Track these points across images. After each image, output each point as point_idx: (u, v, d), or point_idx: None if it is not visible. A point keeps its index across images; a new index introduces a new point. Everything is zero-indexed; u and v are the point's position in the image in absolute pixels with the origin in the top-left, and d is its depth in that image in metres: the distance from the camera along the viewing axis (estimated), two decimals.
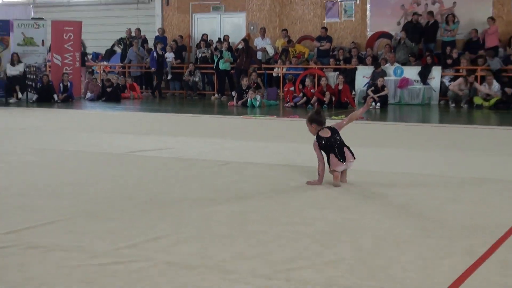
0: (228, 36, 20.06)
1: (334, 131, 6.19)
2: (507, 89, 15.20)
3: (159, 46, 19.54)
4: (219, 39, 20.31)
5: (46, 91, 17.59)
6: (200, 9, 21.53)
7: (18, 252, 4.01)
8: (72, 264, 3.79)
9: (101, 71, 21.19)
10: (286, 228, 4.57)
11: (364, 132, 10.72)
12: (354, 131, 10.91)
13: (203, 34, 20.72)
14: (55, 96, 17.51)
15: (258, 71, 18.45)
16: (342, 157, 6.02)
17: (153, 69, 19.65)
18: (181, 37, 20.97)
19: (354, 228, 4.60)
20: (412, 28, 17.80)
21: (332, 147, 6.07)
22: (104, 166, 7.25)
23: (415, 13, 18.07)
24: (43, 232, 4.46)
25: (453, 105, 15.76)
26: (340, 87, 15.99)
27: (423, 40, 18.05)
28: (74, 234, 4.41)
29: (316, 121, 6.23)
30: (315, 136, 6.17)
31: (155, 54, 19.49)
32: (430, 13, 17.98)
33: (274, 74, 18.60)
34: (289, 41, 19.22)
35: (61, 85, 18.00)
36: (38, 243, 4.17)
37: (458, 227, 4.62)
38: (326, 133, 6.15)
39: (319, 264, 3.81)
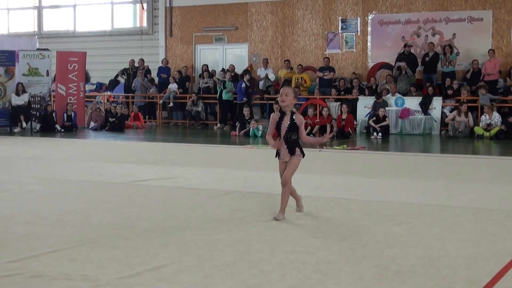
0: (233, 66, 20.22)
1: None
2: (510, 119, 15.29)
3: (246, 77, 18.70)
4: (223, 69, 20.51)
5: (48, 121, 17.71)
6: (203, 40, 21.78)
7: (22, 281, 4.03)
8: None
9: (105, 101, 21.34)
10: (288, 257, 4.59)
11: (366, 162, 10.77)
12: (355, 160, 10.98)
13: (203, 65, 20.94)
14: (57, 126, 17.62)
15: (260, 101, 18.58)
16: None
17: (244, 99, 18.44)
18: (186, 67, 21.20)
19: (357, 257, 4.62)
20: (406, 59, 18.01)
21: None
22: (107, 195, 7.28)
23: (406, 45, 18.30)
24: (47, 260, 4.48)
25: (451, 134, 15.86)
26: (344, 116, 16.12)
27: (424, 71, 18.22)
28: (78, 262, 4.43)
29: (297, 96, 6.00)
30: (290, 110, 5.82)
31: (243, 85, 18.50)
32: (431, 44, 18.21)
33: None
34: (296, 67, 19.46)
35: (65, 115, 18.15)
36: (42, 272, 4.20)
37: (460, 257, 4.63)
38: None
39: None
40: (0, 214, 6.15)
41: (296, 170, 5.91)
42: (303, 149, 5.94)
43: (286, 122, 5.81)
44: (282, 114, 5.85)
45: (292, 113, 5.83)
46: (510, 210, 6.42)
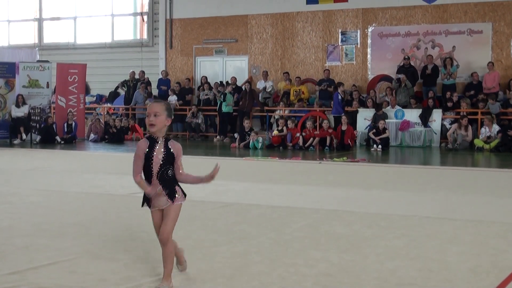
0: (235, 78, 20.26)
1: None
2: (510, 132, 15.32)
3: (341, 89, 17.70)
4: (221, 82, 20.55)
5: (49, 133, 17.73)
6: (203, 52, 21.84)
7: None
8: None
9: (104, 113, 21.36)
10: (288, 270, 4.58)
11: (365, 174, 10.76)
12: (355, 172, 10.98)
13: (202, 77, 21.01)
14: (58, 138, 17.63)
15: (260, 113, 18.57)
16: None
17: (337, 115, 17.50)
18: (188, 79, 21.25)
19: (357, 270, 4.61)
20: (405, 71, 18.06)
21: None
22: (107, 207, 7.27)
23: (405, 58, 18.35)
24: (47, 272, 4.47)
25: (450, 146, 15.88)
26: (344, 127, 16.15)
27: (424, 83, 18.26)
28: (78, 275, 4.42)
29: (172, 115, 4.37)
30: (163, 136, 4.27)
31: (339, 97, 17.53)
32: (430, 56, 18.28)
33: (276, 117, 18.77)
34: (293, 80, 19.54)
35: (66, 124, 18.19)
36: (42, 284, 4.18)
37: (460, 270, 4.62)
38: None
39: None
40: (0, 225, 6.14)
41: (177, 219, 4.32)
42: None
43: (159, 153, 4.19)
44: (153, 141, 4.21)
45: (167, 140, 4.27)
46: (511, 222, 6.41)
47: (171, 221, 4.22)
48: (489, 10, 18.21)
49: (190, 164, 12.44)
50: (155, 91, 21.54)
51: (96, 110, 21.41)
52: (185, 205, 7.51)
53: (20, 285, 4.15)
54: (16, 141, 17.61)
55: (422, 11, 18.92)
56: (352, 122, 17.30)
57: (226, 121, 19.40)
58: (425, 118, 16.86)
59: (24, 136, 17.85)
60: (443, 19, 18.71)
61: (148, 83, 21.40)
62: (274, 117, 18.65)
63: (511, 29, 18.04)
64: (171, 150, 4.21)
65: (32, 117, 18.24)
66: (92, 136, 18.78)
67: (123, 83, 21.57)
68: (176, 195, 4.29)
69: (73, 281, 4.26)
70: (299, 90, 19.30)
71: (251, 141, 16.16)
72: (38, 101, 18.52)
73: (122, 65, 22.35)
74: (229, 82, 20.12)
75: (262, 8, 20.77)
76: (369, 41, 19.54)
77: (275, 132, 16.45)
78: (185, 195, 4.39)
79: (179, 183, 4.35)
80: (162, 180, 4.21)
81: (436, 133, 16.83)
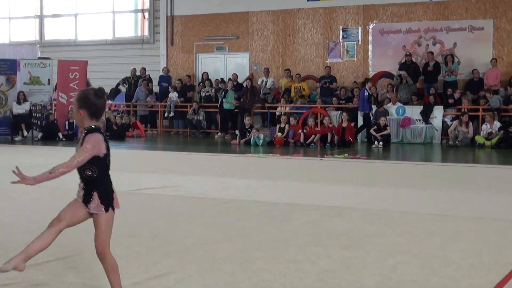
0: (236, 75, 20.24)
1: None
2: (511, 128, 15.31)
3: (368, 85, 17.07)
4: (222, 79, 20.54)
5: (51, 129, 17.75)
6: (204, 49, 21.83)
7: None
8: None
9: (106, 110, 21.37)
10: (289, 266, 4.58)
11: (366, 171, 10.76)
12: (356, 169, 10.97)
13: (203, 73, 21.00)
14: (60, 134, 17.65)
15: (261, 110, 18.54)
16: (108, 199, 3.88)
17: (362, 113, 16.99)
18: (189, 76, 21.22)
19: (358, 266, 4.61)
20: (406, 68, 18.05)
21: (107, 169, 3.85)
22: None
23: (406, 54, 18.32)
24: (48, 269, 4.48)
25: (451, 143, 15.87)
26: (344, 124, 16.14)
27: (425, 80, 18.24)
28: (79, 271, 4.43)
29: (91, 106, 3.64)
30: (84, 127, 3.68)
31: (366, 93, 16.85)
32: (430, 53, 18.25)
33: (278, 113, 18.76)
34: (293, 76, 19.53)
35: (67, 122, 18.19)
36: (43, 280, 4.19)
37: (462, 266, 4.62)
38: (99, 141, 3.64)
39: None
40: (1, 223, 6.15)
41: (111, 230, 3.90)
42: (113, 194, 3.99)
43: (78, 147, 3.67)
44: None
45: (88, 132, 3.66)
46: (511, 219, 6.41)
47: (102, 233, 3.79)
48: (490, 7, 18.18)
49: (190, 161, 12.45)
50: (156, 88, 21.55)
51: None
52: (186, 202, 7.50)
53: (21, 282, 4.16)
54: (17, 138, 17.62)
55: (423, 8, 18.89)
56: (353, 119, 17.28)
57: (227, 118, 19.40)
58: (426, 115, 16.85)
59: (25, 133, 17.86)
60: (444, 15, 18.69)
61: (149, 80, 21.39)
62: (277, 115, 18.63)
63: None
64: (83, 144, 3.56)
65: (33, 114, 18.23)
66: None
67: (124, 80, 21.56)
68: (91, 203, 3.75)
69: (74, 277, 4.28)
70: (300, 87, 19.28)
71: (252, 138, 16.16)
72: (39, 98, 18.52)
73: (123, 62, 22.32)
74: (230, 78, 20.11)
75: (263, 5, 20.75)
76: (370, 37, 19.51)
77: (278, 134, 16.45)
78: (107, 208, 3.82)
79: (103, 188, 3.83)
80: (81, 177, 3.72)
81: (437, 130, 16.82)
